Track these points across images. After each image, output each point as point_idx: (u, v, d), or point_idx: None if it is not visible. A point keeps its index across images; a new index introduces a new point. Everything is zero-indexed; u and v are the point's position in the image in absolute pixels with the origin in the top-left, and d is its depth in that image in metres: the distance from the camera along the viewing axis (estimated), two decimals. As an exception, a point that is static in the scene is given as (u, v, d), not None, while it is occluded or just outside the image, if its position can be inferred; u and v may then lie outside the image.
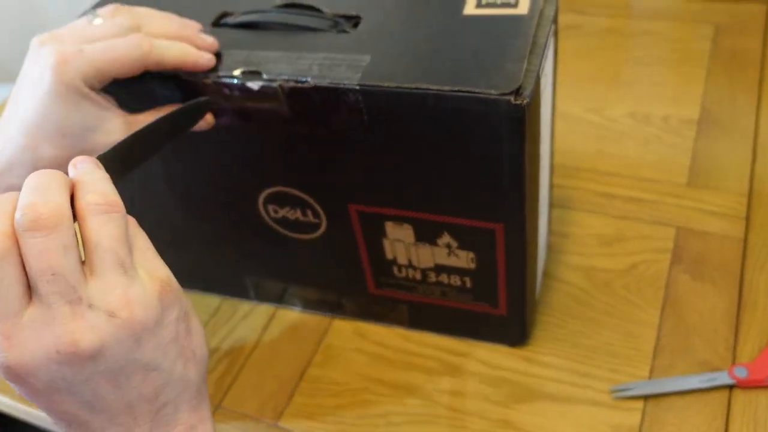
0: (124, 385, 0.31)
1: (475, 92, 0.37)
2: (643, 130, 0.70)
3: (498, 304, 0.50)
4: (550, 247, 0.60)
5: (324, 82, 0.40)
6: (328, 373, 0.54)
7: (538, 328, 0.55)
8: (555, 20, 0.44)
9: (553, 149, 0.55)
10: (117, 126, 0.41)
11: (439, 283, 0.51)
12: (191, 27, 0.44)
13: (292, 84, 0.41)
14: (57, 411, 0.31)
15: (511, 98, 0.37)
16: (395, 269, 0.51)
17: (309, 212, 0.49)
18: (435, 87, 0.38)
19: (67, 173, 0.32)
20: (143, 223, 0.34)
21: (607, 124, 0.71)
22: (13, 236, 0.29)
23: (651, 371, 0.51)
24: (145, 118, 0.42)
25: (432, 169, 0.43)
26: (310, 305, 0.58)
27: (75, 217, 0.31)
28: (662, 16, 0.84)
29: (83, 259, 0.30)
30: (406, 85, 0.39)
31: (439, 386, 0.52)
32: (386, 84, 0.39)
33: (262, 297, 0.59)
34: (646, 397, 0.49)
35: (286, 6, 0.46)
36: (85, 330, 0.29)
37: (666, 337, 0.53)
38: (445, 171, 0.42)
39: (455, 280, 0.50)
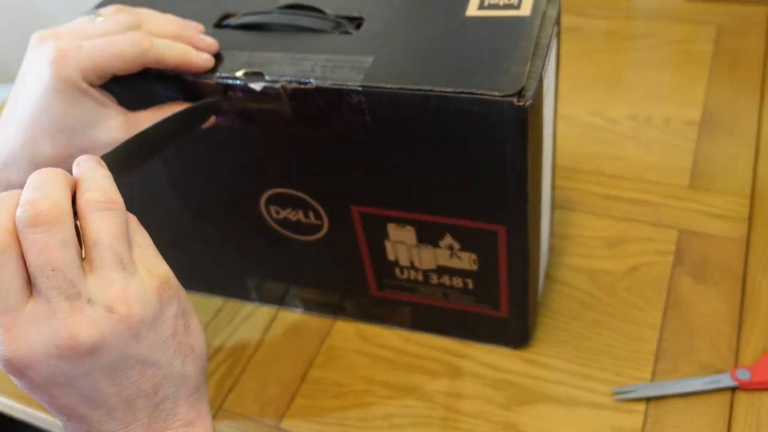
0: (123, 380, 0.32)
1: (477, 94, 0.37)
2: (644, 131, 0.70)
3: (500, 306, 0.50)
4: (551, 249, 0.60)
5: (327, 84, 0.40)
6: (329, 375, 0.54)
7: (539, 330, 0.54)
8: (557, 22, 0.44)
9: (555, 151, 0.55)
10: (117, 123, 0.41)
11: (441, 285, 0.51)
12: (192, 28, 0.44)
13: (294, 85, 0.41)
14: (56, 405, 0.32)
15: (514, 100, 0.37)
16: (397, 271, 0.51)
17: (311, 213, 0.49)
18: (438, 88, 0.38)
19: (68, 171, 0.32)
20: (145, 223, 0.35)
21: (608, 126, 0.71)
22: (14, 232, 0.29)
23: (653, 373, 0.51)
24: (145, 116, 0.42)
25: (434, 170, 0.42)
26: (311, 307, 0.58)
27: (76, 214, 0.31)
28: (663, 18, 0.84)
29: (83, 255, 0.31)
30: (408, 87, 0.39)
31: (440, 388, 0.52)
32: (389, 85, 0.39)
33: (264, 298, 0.59)
34: (648, 400, 0.49)
35: (289, 7, 0.46)
36: (84, 325, 0.30)
37: (668, 340, 0.53)
38: (447, 172, 0.42)
39: (457, 282, 0.50)
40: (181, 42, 0.42)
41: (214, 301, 0.61)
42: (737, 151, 0.66)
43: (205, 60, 0.42)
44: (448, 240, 0.47)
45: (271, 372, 0.55)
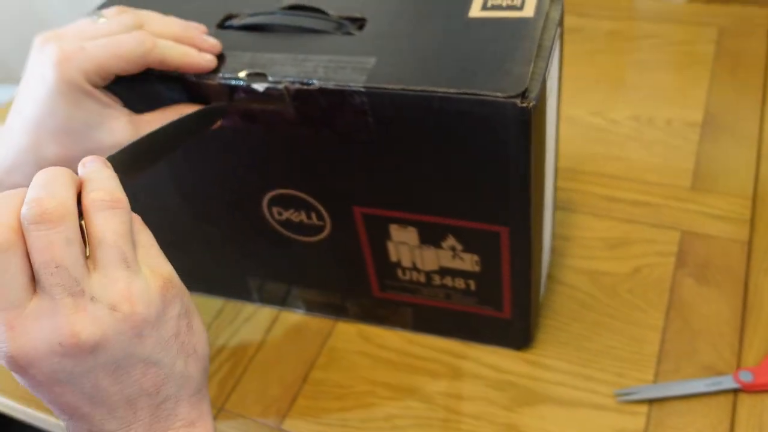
0: (125, 378, 0.32)
1: (481, 95, 0.37)
2: (646, 133, 0.70)
3: (502, 308, 0.50)
4: (553, 251, 0.60)
5: (329, 85, 0.40)
6: (331, 376, 0.54)
7: (542, 332, 0.54)
8: (561, 23, 0.43)
9: (558, 152, 0.55)
10: (121, 125, 0.41)
11: (443, 286, 0.50)
12: (194, 29, 0.44)
13: (297, 86, 0.41)
14: (58, 402, 0.32)
15: (518, 101, 0.37)
16: (399, 272, 0.51)
17: (313, 214, 0.49)
18: (441, 89, 0.38)
19: (74, 172, 0.33)
20: (147, 223, 0.35)
21: (610, 127, 0.71)
22: (19, 230, 0.30)
23: (656, 375, 0.51)
24: (150, 118, 0.42)
25: (437, 171, 0.42)
26: (313, 308, 0.58)
27: (82, 214, 0.31)
28: (665, 19, 0.84)
29: (87, 254, 0.31)
30: (411, 88, 0.39)
31: (442, 389, 0.52)
32: (392, 86, 0.39)
33: (266, 299, 0.59)
34: (650, 401, 0.49)
35: (291, 8, 0.46)
36: (86, 322, 0.30)
37: (670, 341, 0.52)
38: (450, 174, 0.42)
39: (459, 283, 0.50)
40: (184, 43, 0.42)
41: (216, 302, 0.60)
42: (739, 153, 0.66)
43: (207, 60, 0.42)
44: (450, 241, 0.47)
45: (273, 373, 0.55)
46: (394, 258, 0.50)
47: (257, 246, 0.54)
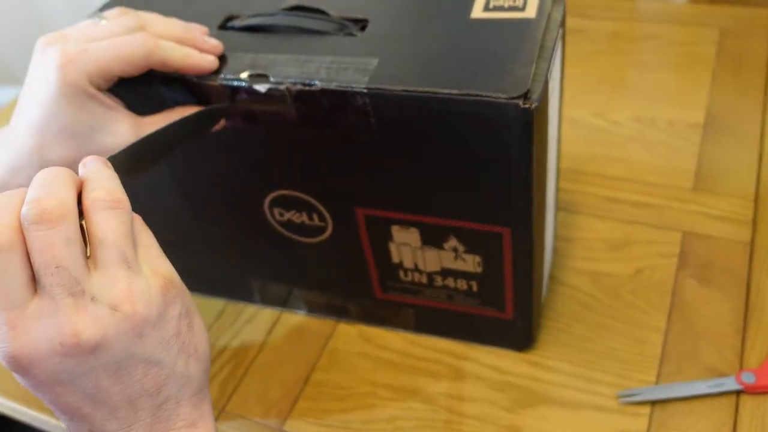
0: (126, 378, 0.32)
1: (483, 96, 0.37)
2: (648, 134, 0.70)
3: (504, 309, 0.50)
4: (555, 252, 0.60)
5: (332, 86, 0.40)
6: (333, 378, 0.54)
7: (543, 333, 0.54)
8: (563, 24, 0.43)
9: (560, 153, 0.54)
10: (125, 127, 0.41)
11: (445, 287, 0.50)
12: (196, 30, 0.44)
13: (299, 87, 0.41)
14: (59, 403, 0.32)
15: (520, 102, 0.37)
16: (401, 273, 0.51)
17: (315, 216, 0.49)
18: (443, 91, 0.38)
19: (77, 174, 0.33)
20: (148, 223, 0.35)
21: (612, 128, 0.71)
22: (19, 230, 0.30)
23: (658, 376, 0.50)
24: (153, 121, 0.42)
25: (439, 172, 0.42)
26: (315, 309, 0.58)
27: (82, 214, 0.31)
28: (667, 20, 0.84)
29: (88, 254, 0.31)
30: (413, 89, 0.39)
31: (444, 391, 0.52)
32: (394, 87, 0.39)
33: (267, 300, 0.59)
34: (653, 403, 0.49)
35: (293, 9, 0.46)
36: (87, 322, 0.30)
37: (673, 342, 0.52)
38: (452, 175, 0.42)
39: (462, 284, 0.50)
40: (186, 44, 0.42)
41: (217, 303, 0.60)
42: (741, 154, 0.66)
43: (209, 62, 0.42)
44: (452, 242, 0.47)
45: (274, 374, 0.55)
46: (395, 259, 0.50)
47: (258, 247, 0.54)
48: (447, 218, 0.45)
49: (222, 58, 0.43)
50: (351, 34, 0.44)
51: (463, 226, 0.45)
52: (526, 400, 0.51)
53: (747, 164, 0.65)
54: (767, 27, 0.80)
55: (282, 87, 0.41)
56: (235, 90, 0.42)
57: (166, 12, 0.44)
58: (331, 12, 0.45)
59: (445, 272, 0.49)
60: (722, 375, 0.50)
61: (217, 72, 0.42)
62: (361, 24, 0.44)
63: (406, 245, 0.48)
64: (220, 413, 0.53)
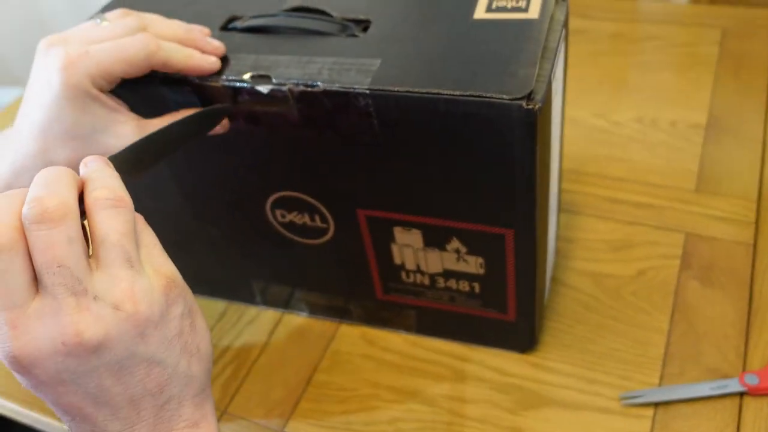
0: (128, 378, 0.32)
1: (486, 97, 0.37)
2: (650, 134, 0.70)
3: (507, 310, 0.50)
4: (557, 253, 0.60)
5: (334, 87, 0.40)
6: (335, 379, 0.54)
7: (546, 334, 0.54)
8: (566, 25, 0.43)
9: (562, 154, 0.54)
10: (128, 129, 0.41)
11: (447, 289, 0.50)
12: (198, 31, 0.44)
13: (301, 88, 0.40)
14: (61, 403, 0.32)
15: (523, 103, 0.37)
16: (403, 274, 0.51)
17: (317, 217, 0.48)
18: (446, 91, 0.38)
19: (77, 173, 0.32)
20: (150, 224, 0.35)
21: (613, 129, 0.71)
22: (21, 229, 0.29)
23: (661, 378, 0.50)
24: (158, 123, 0.42)
25: (442, 173, 0.42)
26: (316, 310, 0.58)
27: (84, 214, 0.31)
28: (668, 21, 0.84)
29: (90, 253, 0.31)
30: (417, 90, 0.38)
31: (446, 392, 0.52)
32: (397, 89, 0.39)
33: (269, 302, 0.59)
34: (656, 405, 0.49)
35: (295, 10, 0.46)
36: (89, 321, 0.29)
37: (675, 344, 0.52)
38: (455, 176, 0.42)
39: (464, 286, 0.49)
40: (187, 45, 0.42)
41: (218, 305, 0.60)
42: (743, 155, 0.66)
43: (211, 63, 0.42)
44: (455, 243, 0.46)
45: (276, 376, 0.55)
46: (398, 260, 0.50)
47: (260, 248, 0.53)
48: (449, 219, 0.45)
49: (224, 59, 0.43)
50: (353, 35, 0.43)
51: (466, 227, 0.45)
52: (529, 401, 0.50)
53: (749, 165, 0.65)
54: (769, 28, 0.80)
55: (284, 88, 0.41)
56: (238, 91, 0.42)
57: (168, 13, 0.44)
58: (333, 13, 0.45)
59: (448, 274, 0.49)
60: (725, 376, 0.50)
61: (219, 73, 0.42)
62: (364, 25, 0.44)
63: (408, 246, 0.48)
64: (221, 414, 0.53)
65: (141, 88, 0.42)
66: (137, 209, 0.33)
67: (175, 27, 0.43)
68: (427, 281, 0.50)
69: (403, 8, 0.45)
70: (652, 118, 0.71)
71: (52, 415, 0.52)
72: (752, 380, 0.48)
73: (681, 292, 0.56)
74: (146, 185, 0.51)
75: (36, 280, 0.30)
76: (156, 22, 0.43)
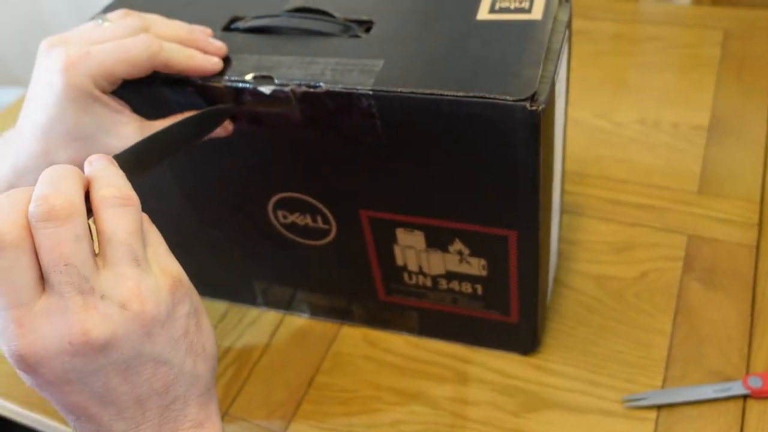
0: (135, 378, 0.31)
1: (490, 98, 0.37)
2: (652, 136, 0.69)
3: (509, 312, 0.50)
4: (560, 254, 0.59)
5: (337, 87, 0.40)
6: (336, 381, 0.54)
7: (548, 336, 0.54)
8: (569, 25, 0.43)
9: (565, 155, 0.54)
10: (131, 130, 0.41)
11: (450, 290, 0.50)
12: (200, 32, 0.44)
13: (304, 89, 0.40)
14: (66, 402, 0.31)
15: (527, 104, 0.37)
16: (406, 276, 0.50)
17: (319, 218, 0.48)
18: (449, 92, 0.38)
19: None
20: None
21: (615, 130, 0.71)
22: (27, 227, 0.29)
23: (663, 380, 0.50)
24: (160, 124, 0.42)
25: (445, 175, 0.42)
26: (318, 311, 0.57)
27: (90, 212, 0.31)
28: (670, 22, 0.84)
29: (97, 251, 0.31)
30: (420, 91, 0.38)
31: (448, 394, 0.52)
32: (400, 89, 0.39)
33: (270, 303, 0.59)
34: (659, 407, 0.49)
35: (297, 10, 0.46)
36: (96, 320, 0.29)
37: (678, 346, 0.52)
38: (458, 177, 0.42)
39: (466, 288, 0.49)
40: (189, 46, 0.42)
41: (220, 306, 0.60)
42: (745, 157, 0.66)
43: (213, 63, 0.42)
44: (457, 245, 0.46)
45: (278, 377, 0.54)
46: (400, 262, 0.49)
47: (262, 249, 0.53)
48: (452, 221, 0.45)
49: (226, 60, 0.43)
50: (356, 36, 0.43)
51: (469, 229, 0.45)
52: (531, 404, 0.50)
53: (752, 167, 0.65)
54: (771, 29, 0.80)
55: (287, 89, 0.41)
56: (240, 91, 0.42)
57: (170, 13, 0.44)
58: (336, 13, 0.45)
59: (450, 275, 0.49)
60: (728, 379, 0.49)
61: (221, 73, 0.42)
62: (366, 26, 0.44)
63: (410, 248, 0.48)
64: (223, 416, 0.52)
65: (143, 89, 0.42)
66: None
67: (177, 28, 0.43)
68: (429, 283, 0.50)
69: (406, 9, 0.45)
70: (654, 119, 0.71)
71: (53, 416, 0.52)
72: (756, 383, 0.48)
73: (684, 294, 0.55)
74: (148, 186, 0.51)
75: (42, 278, 0.30)
76: (158, 22, 0.43)
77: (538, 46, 0.40)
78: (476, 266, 0.47)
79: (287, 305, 0.58)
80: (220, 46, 0.43)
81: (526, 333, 0.51)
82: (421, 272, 0.50)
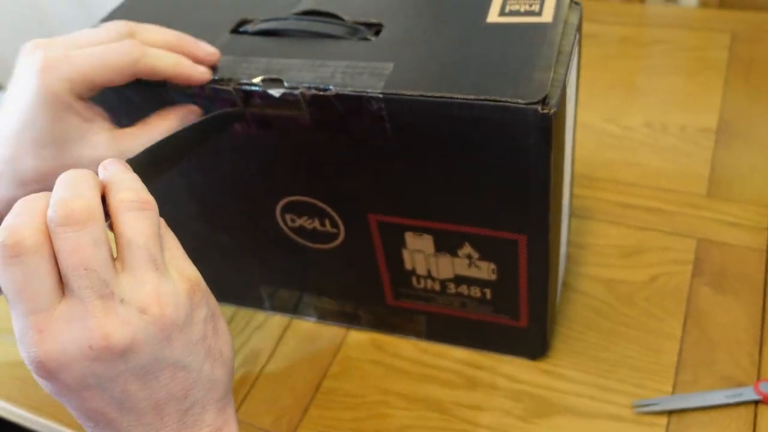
0: (154, 383, 0.31)
1: (501, 101, 0.37)
2: (660, 139, 0.69)
3: (519, 317, 0.50)
4: (569, 258, 0.59)
5: (346, 90, 0.39)
6: (344, 386, 0.53)
7: (557, 341, 0.54)
8: (579, 28, 0.43)
9: (574, 158, 0.54)
10: (102, 140, 0.39)
11: (458, 295, 0.50)
12: (191, 39, 0.42)
13: (313, 92, 0.40)
14: (85, 408, 0.31)
15: (538, 107, 0.36)
16: (414, 280, 0.50)
17: (327, 222, 0.48)
18: (460, 96, 0.37)
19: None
20: None
21: (624, 134, 0.71)
22: (46, 232, 0.29)
23: (674, 386, 0.50)
24: (132, 132, 0.40)
25: (455, 178, 0.42)
26: (325, 315, 0.57)
27: (107, 216, 0.31)
28: (678, 25, 0.83)
29: (115, 255, 0.31)
30: (430, 94, 0.38)
31: (457, 400, 0.51)
32: (410, 92, 0.38)
33: (278, 307, 0.58)
34: (669, 413, 0.48)
35: (306, 13, 0.46)
36: (116, 325, 0.29)
37: (688, 351, 0.52)
38: (468, 181, 0.42)
39: (475, 292, 0.49)
40: (177, 52, 0.41)
41: (226, 310, 0.60)
42: (754, 160, 0.65)
43: (201, 72, 0.41)
44: (466, 249, 0.46)
45: (285, 382, 0.54)
46: (408, 266, 0.49)
47: (270, 253, 0.53)
48: (461, 225, 0.45)
49: (235, 62, 0.43)
50: (365, 39, 0.43)
51: (478, 232, 0.45)
52: (541, 409, 0.50)
53: (761, 170, 0.64)
54: (779, 32, 0.80)
55: (296, 92, 0.40)
56: (249, 94, 0.42)
57: (177, 17, 0.44)
58: (345, 16, 0.45)
59: (459, 279, 0.49)
60: (739, 384, 0.49)
61: (230, 76, 0.42)
62: (376, 28, 0.44)
63: (419, 252, 0.48)
64: (230, 421, 0.52)
65: (149, 88, 0.41)
66: None
67: (167, 34, 0.41)
68: (438, 287, 0.50)
69: (416, 12, 0.45)
70: (661, 122, 0.71)
71: (61, 421, 0.52)
72: (767, 389, 0.47)
73: (693, 299, 0.55)
74: (156, 190, 0.50)
75: (61, 283, 0.29)
76: (146, 29, 0.41)
77: (549, 49, 0.39)
78: (485, 270, 0.47)
79: (294, 309, 0.58)
80: (212, 51, 0.42)
81: (536, 337, 0.51)
82: (429, 276, 0.49)
